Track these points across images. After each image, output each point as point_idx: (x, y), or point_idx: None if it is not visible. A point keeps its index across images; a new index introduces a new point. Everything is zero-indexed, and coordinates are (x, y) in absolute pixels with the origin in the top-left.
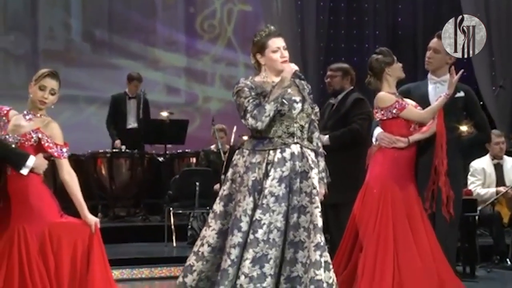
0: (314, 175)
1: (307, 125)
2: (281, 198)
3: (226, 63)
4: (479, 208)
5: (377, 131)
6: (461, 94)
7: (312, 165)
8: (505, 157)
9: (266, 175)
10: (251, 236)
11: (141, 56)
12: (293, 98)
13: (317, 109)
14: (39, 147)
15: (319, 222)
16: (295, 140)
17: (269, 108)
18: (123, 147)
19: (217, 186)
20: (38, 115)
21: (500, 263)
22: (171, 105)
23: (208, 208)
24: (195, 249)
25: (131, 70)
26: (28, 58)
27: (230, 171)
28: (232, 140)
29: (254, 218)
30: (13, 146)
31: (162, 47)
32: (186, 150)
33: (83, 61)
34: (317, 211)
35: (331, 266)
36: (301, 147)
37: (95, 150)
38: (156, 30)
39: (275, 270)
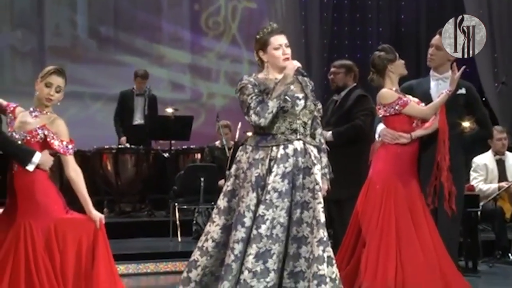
0: (317, 171)
1: (309, 122)
2: (284, 193)
3: (230, 60)
4: (481, 203)
5: (380, 127)
6: (463, 91)
7: (315, 161)
8: (507, 153)
9: (269, 171)
10: (254, 232)
11: (146, 53)
12: (296, 95)
13: (320, 105)
14: (45, 144)
15: (322, 217)
16: (298, 137)
17: (272, 105)
18: (127, 144)
19: (221, 182)
20: (44, 112)
21: (502, 258)
22: (176, 101)
23: (212, 203)
24: (199, 244)
25: (137, 67)
26: (35, 54)
27: (234, 167)
28: (237, 136)
29: (257, 214)
30: (19, 142)
31: (167, 44)
32: (191, 146)
33: (89, 58)
34: (320, 207)
35: (334, 261)
36: (304, 144)
37: (100, 146)
38: (161, 27)
39: (278, 265)
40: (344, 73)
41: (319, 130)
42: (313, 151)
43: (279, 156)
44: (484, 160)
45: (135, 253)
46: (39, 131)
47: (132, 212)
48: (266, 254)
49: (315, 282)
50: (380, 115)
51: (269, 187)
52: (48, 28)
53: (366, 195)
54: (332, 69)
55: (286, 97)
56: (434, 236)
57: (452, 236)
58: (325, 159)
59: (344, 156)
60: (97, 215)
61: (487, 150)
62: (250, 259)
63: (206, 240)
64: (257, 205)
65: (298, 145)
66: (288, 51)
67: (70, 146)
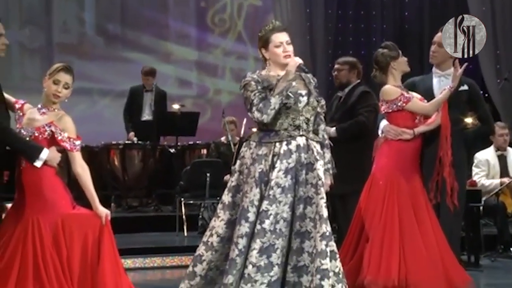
0: (320, 166)
1: (312, 118)
2: (287, 189)
3: (236, 57)
4: (483, 198)
5: (383, 123)
6: (465, 87)
7: (318, 157)
8: (509, 148)
9: (273, 166)
10: (258, 227)
11: (153, 50)
12: (299, 91)
13: (323, 102)
14: (52, 140)
15: (325, 212)
16: (301, 133)
17: (274, 101)
18: (135, 139)
19: (227, 177)
20: (52, 108)
21: (504, 252)
22: (183, 97)
23: (218, 198)
24: (204, 239)
25: (144, 64)
26: (43, 51)
27: (238, 162)
28: (242, 132)
29: (261, 209)
30: (28, 139)
31: (174, 40)
32: (197, 142)
33: (96, 55)
34: (323, 202)
35: (337, 256)
36: (306, 139)
37: (108, 142)
38: (168, 24)
39: (282, 260)
40: (347, 70)
41: (322, 126)
42: (316, 147)
43: (282, 152)
44: (486, 155)
45: (141, 248)
46: (47, 128)
47: (139, 207)
48: (270, 248)
49: (318, 276)
50: (383, 112)
51: (272, 183)
52: (56, 25)
53: (369, 190)
54: (336, 66)
55: (289, 93)
56: (436, 231)
57: (454, 230)
58: (328, 155)
59: (348, 152)
60: (103, 211)
61: (489, 146)
62: (254, 253)
63: (211, 235)
64: (260, 201)
65: (301, 141)
66: (290, 48)
67: (77, 143)
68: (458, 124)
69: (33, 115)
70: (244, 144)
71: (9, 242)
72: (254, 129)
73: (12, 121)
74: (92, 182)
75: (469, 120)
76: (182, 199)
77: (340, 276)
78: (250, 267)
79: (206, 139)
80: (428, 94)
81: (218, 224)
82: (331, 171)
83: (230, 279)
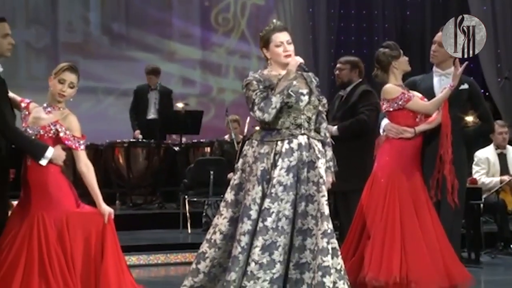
0: (321, 165)
1: (314, 117)
2: (289, 187)
3: (239, 55)
4: (484, 196)
5: (385, 122)
6: (465, 86)
7: (319, 155)
8: (509, 146)
9: (274, 165)
10: (260, 224)
11: (157, 49)
12: (300, 90)
13: (324, 100)
14: (57, 139)
15: (326, 210)
16: (302, 131)
17: (275, 101)
18: (140, 136)
19: (230, 175)
20: (58, 107)
21: (504, 249)
22: (187, 96)
23: (222, 196)
24: (207, 236)
25: (148, 63)
26: (49, 50)
27: (240, 161)
28: (245, 130)
29: (263, 207)
30: (33, 137)
31: (178, 40)
32: (201, 140)
33: (101, 54)
34: (324, 200)
35: (339, 253)
36: (308, 138)
37: (113, 140)
38: (172, 23)
39: (284, 257)
40: (349, 69)
41: (324, 125)
42: (317, 145)
43: (284, 150)
44: (486, 154)
45: (146, 245)
46: (52, 127)
47: (143, 204)
48: (272, 246)
49: (320, 273)
50: (384, 110)
51: (274, 181)
52: (62, 25)
53: (371, 188)
54: (338, 65)
55: (290, 92)
56: (437, 228)
57: (454, 228)
58: (330, 153)
59: (349, 150)
60: (106, 210)
61: (489, 144)
62: (257, 251)
63: (214, 232)
64: (262, 198)
65: (303, 139)
66: (290, 47)
67: (81, 142)
68: (459, 122)
69: (39, 114)
70: (247, 142)
71: (15, 238)
72: (257, 128)
73: (18, 119)
74: (96, 181)
75: (469, 118)
76: (186, 196)
77: (342, 273)
78: (252, 264)
79: (209, 137)
80: (428, 93)
81: (221, 222)
82: (332, 169)
83: (232, 276)
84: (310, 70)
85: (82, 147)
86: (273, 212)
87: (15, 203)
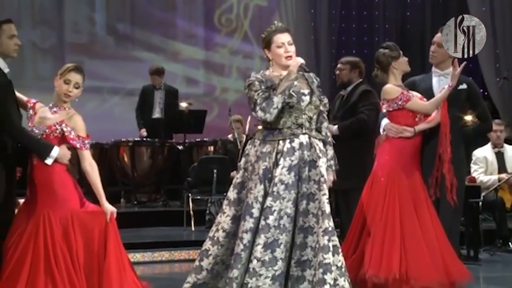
0: (322, 163)
1: (315, 116)
2: (290, 185)
3: (242, 56)
4: (482, 194)
5: (385, 121)
6: (464, 86)
7: (320, 154)
8: (506, 145)
9: (276, 164)
10: (262, 222)
11: (161, 49)
12: (302, 90)
13: (325, 100)
14: (63, 139)
15: (327, 208)
16: (304, 131)
17: (277, 101)
18: (145, 135)
19: (233, 173)
20: (63, 107)
21: (503, 247)
22: (190, 95)
23: (225, 194)
24: (210, 234)
25: (153, 63)
26: (55, 51)
27: (243, 160)
28: (247, 129)
29: (265, 205)
30: (39, 137)
31: (182, 40)
32: (204, 139)
33: (106, 54)
34: (325, 198)
35: (340, 250)
36: (309, 137)
37: (118, 139)
38: (176, 24)
39: (286, 254)
40: (349, 70)
41: (325, 124)
42: (319, 145)
43: (285, 149)
44: (484, 153)
45: (150, 242)
46: (58, 127)
47: (148, 202)
48: (274, 243)
49: (321, 270)
50: (384, 110)
51: (276, 180)
52: (68, 25)
53: (371, 186)
54: (338, 65)
55: (292, 92)
56: (436, 226)
57: (453, 225)
58: (331, 152)
59: (350, 149)
60: (109, 209)
61: (486, 143)
62: (259, 248)
63: (217, 230)
64: (264, 197)
65: (304, 139)
66: (291, 48)
67: (86, 141)
68: (457, 122)
69: (45, 113)
70: (249, 142)
71: (21, 236)
72: (260, 127)
73: (24, 119)
74: (100, 180)
75: (468, 117)
76: (190, 194)
77: (343, 270)
78: (254, 261)
79: (213, 136)
80: (428, 93)
81: (223, 220)
82: (333, 168)
83: (235, 273)
84: (311, 70)
85: (87, 146)
86: (275, 210)
87: (21, 201)
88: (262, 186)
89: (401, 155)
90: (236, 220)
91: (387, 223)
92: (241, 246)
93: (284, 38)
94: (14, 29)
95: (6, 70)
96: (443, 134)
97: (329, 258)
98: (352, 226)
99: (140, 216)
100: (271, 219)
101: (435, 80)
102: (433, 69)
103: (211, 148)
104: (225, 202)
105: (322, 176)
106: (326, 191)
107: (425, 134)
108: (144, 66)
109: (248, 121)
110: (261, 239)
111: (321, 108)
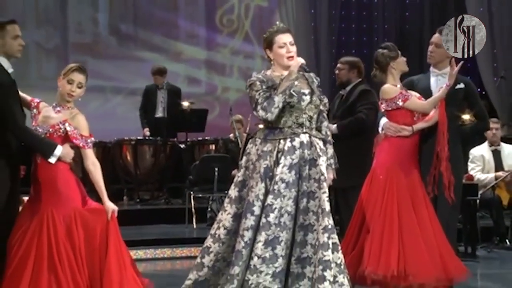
0: (322, 162)
1: (315, 116)
2: (291, 184)
3: (243, 56)
4: (480, 192)
5: (383, 121)
6: (462, 85)
7: (320, 153)
8: (503, 143)
9: (277, 162)
10: (263, 220)
11: (164, 49)
12: (302, 90)
13: (325, 100)
14: (66, 138)
15: (327, 206)
16: (304, 130)
17: (278, 100)
18: (148, 134)
19: (235, 172)
20: (67, 107)
21: (500, 244)
22: (192, 95)
23: (226, 192)
24: (212, 231)
25: (155, 62)
26: (59, 51)
27: (244, 158)
28: (248, 128)
29: (266, 203)
30: (43, 136)
31: (184, 40)
32: (206, 138)
33: (109, 54)
34: (325, 196)
35: (339, 248)
36: (309, 136)
37: (120, 138)
38: (178, 24)
39: (286, 252)
40: (347, 69)
41: (325, 123)
42: (319, 144)
43: (286, 148)
44: (481, 151)
45: (152, 239)
46: (61, 126)
47: (150, 200)
48: (275, 241)
49: (321, 267)
50: (383, 110)
51: (277, 178)
52: (71, 26)
53: (370, 184)
54: (338, 65)
55: (292, 92)
56: (434, 223)
57: (451, 222)
58: (330, 151)
59: (349, 148)
60: (110, 207)
61: (483, 142)
62: (260, 245)
63: (218, 227)
64: (265, 195)
65: (304, 138)
66: (293, 49)
67: (89, 140)
68: (455, 120)
69: (48, 113)
70: (250, 141)
71: (25, 234)
72: (261, 126)
73: (28, 119)
74: (102, 178)
75: (466, 116)
76: (192, 192)
77: (342, 267)
78: (255, 258)
79: (214, 135)
80: (426, 93)
81: (225, 218)
82: (333, 166)
83: (236, 270)
84: (311, 69)
85: (90, 145)
86: (275, 208)
87: (26, 198)
88: (263, 184)
89: (399, 153)
90: (237, 218)
91: (385, 221)
92: (242, 244)
93: (286, 38)
94: (18, 30)
95: (10, 70)
96: (441, 133)
97: (328, 255)
98: (351, 223)
99: (143, 214)
100: (271, 217)
101: (433, 79)
102: (431, 69)
103: (213, 147)
104: (226, 200)
105: (322, 174)
106: (326, 189)
107: (423, 133)
108: (147, 66)
109: (249, 119)
110: (262, 237)
111: (321, 107)
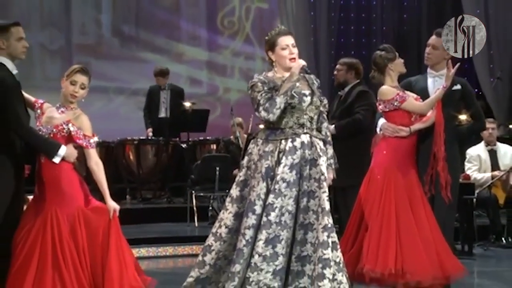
0: (322, 162)
1: (316, 117)
2: (292, 183)
3: (244, 57)
4: (476, 191)
5: (381, 121)
6: (458, 87)
7: (321, 153)
8: (499, 143)
9: (278, 162)
10: (264, 219)
11: (166, 50)
12: (303, 91)
13: (325, 101)
14: (69, 138)
15: (327, 205)
16: (305, 131)
17: (280, 101)
18: (150, 134)
19: (236, 171)
20: (70, 107)
21: (496, 242)
22: (194, 95)
23: (227, 191)
24: (213, 230)
25: (157, 63)
26: (63, 52)
27: (246, 158)
28: (250, 128)
29: (267, 202)
30: (47, 136)
31: (186, 42)
32: (207, 138)
33: (112, 55)
34: (325, 196)
35: (338, 246)
36: (310, 137)
37: (123, 138)
38: (180, 26)
39: (286, 250)
40: (345, 70)
41: (325, 124)
42: (319, 144)
43: (287, 148)
44: (477, 151)
45: (155, 237)
46: (65, 126)
47: (152, 199)
48: (275, 239)
49: (320, 265)
50: (381, 111)
51: (278, 178)
52: (75, 27)
53: (368, 184)
54: (337, 66)
55: (294, 93)
56: (431, 222)
57: (447, 221)
58: (330, 151)
59: (347, 148)
60: (112, 206)
61: (480, 142)
62: (261, 244)
63: (220, 226)
64: (267, 194)
65: (305, 138)
66: (295, 50)
67: (92, 140)
68: (452, 121)
69: (52, 113)
70: (252, 141)
71: (29, 232)
72: (261, 126)
73: (32, 119)
74: (105, 178)
75: (463, 117)
76: (193, 191)
77: (341, 265)
78: (256, 256)
79: (215, 135)
80: (423, 94)
81: (226, 216)
82: (333, 166)
83: (237, 267)
84: (311, 71)
85: (93, 145)
86: (276, 207)
87: (30, 197)
88: (264, 184)
89: (397, 153)
90: (239, 217)
91: (383, 219)
92: (244, 242)
93: (288, 40)
94: (22, 32)
95: (15, 72)
96: (438, 133)
97: (328, 253)
98: (349, 221)
99: (145, 212)
100: (272, 216)
101: (430, 81)
102: (428, 70)
103: (214, 147)
104: (228, 199)
105: (323, 174)
106: (326, 189)
107: (421, 134)
108: (149, 66)
109: (251, 120)
110: (263, 235)
111: (321, 108)
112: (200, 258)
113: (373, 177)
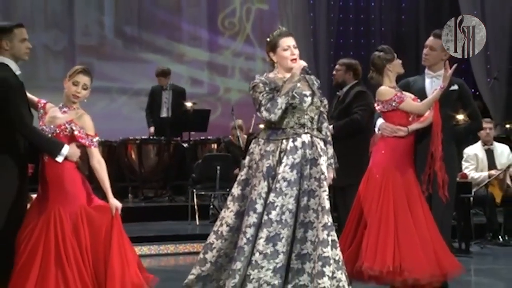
0: (323, 162)
1: (316, 117)
2: (292, 183)
3: (245, 57)
4: (473, 190)
5: (380, 121)
6: (455, 87)
7: (321, 153)
8: (495, 143)
9: (279, 162)
10: (265, 217)
11: (167, 51)
12: (304, 92)
13: (325, 101)
14: (72, 137)
15: (327, 204)
16: (306, 130)
17: (281, 102)
18: (152, 132)
19: (237, 171)
20: (72, 107)
21: (493, 240)
22: (195, 95)
23: (227, 189)
24: (214, 228)
25: (159, 64)
26: (66, 53)
27: (247, 158)
28: (251, 127)
29: (268, 201)
30: (50, 136)
31: (187, 42)
32: (208, 137)
33: (115, 56)
34: (325, 195)
35: (338, 244)
36: (311, 137)
37: (126, 137)
38: (181, 27)
39: (287, 248)
40: (343, 71)
41: (325, 124)
42: (320, 144)
43: (288, 148)
44: (474, 150)
45: (156, 235)
46: (67, 126)
47: (154, 197)
48: (276, 237)
49: (320, 263)
50: (379, 111)
51: (279, 177)
52: (78, 29)
53: (367, 183)
54: (336, 67)
55: (295, 94)
56: (428, 220)
57: (445, 220)
58: (331, 151)
59: (346, 148)
60: (114, 204)
61: (477, 141)
62: (261, 242)
63: (221, 224)
64: (268, 193)
65: (306, 138)
66: (296, 51)
67: (94, 140)
68: (449, 121)
69: (55, 113)
70: (253, 141)
71: (33, 231)
72: (262, 126)
73: (35, 119)
74: (107, 176)
75: (460, 117)
76: (194, 190)
77: (340, 263)
78: (257, 254)
79: (216, 135)
80: (421, 94)
81: (227, 215)
82: (333, 166)
83: (238, 265)
84: (311, 71)
85: (95, 144)
86: (277, 206)
87: (34, 196)
88: (265, 183)
89: (395, 153)
90: (240, 215)
91: (381, 218)
92: (245, 240)
93: (289, 41)
94: (25, 33)
95: (18, 72)
96: (435, 133)
97: (328, 251)
98: (348, 220)
99: (147, 211)
100: (273, 214)
101: (427, 81)
102: (426, 71)
103: (215, 146)
104: (229, 198)
105: (323, 173)
106: (326, 188)
107: (418, 133)
108: (151, 67)
109: (253, 120)
110: (263, 233)
111: (322, 108)
112: (201, 255)
113: (371, 176)
